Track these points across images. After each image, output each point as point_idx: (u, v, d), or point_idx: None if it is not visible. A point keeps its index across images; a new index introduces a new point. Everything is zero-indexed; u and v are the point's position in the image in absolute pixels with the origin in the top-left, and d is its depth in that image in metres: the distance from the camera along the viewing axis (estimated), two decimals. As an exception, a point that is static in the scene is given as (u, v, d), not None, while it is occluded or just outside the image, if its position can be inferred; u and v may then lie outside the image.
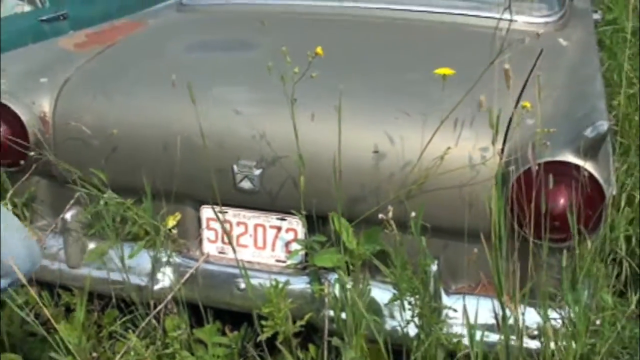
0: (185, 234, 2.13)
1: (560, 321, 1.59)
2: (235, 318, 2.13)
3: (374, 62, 2.25)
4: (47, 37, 3.86)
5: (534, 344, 1.66)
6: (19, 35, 3.80)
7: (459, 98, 1.79)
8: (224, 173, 1.97)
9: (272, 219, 2.03)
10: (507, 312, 1.53)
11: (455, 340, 1.70)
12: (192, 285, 2.07)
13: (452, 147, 1.81)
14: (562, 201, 1.69)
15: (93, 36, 2.61)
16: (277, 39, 2.43)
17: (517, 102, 1.97)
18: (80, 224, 2.10)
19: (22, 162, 2.17)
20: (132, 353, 1.90)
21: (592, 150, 1.65)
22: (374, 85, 2.08)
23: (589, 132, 1.62)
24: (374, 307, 1.87)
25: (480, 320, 1.71)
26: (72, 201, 2.10)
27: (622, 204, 1.79)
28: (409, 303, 1.72)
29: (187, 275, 2.05)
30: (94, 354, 2.01)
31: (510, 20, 1.94)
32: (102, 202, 2.00)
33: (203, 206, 2.08)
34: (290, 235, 2.03)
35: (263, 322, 1.83)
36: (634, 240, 1.97)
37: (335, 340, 1.78)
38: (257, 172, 1.95)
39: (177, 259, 2.09)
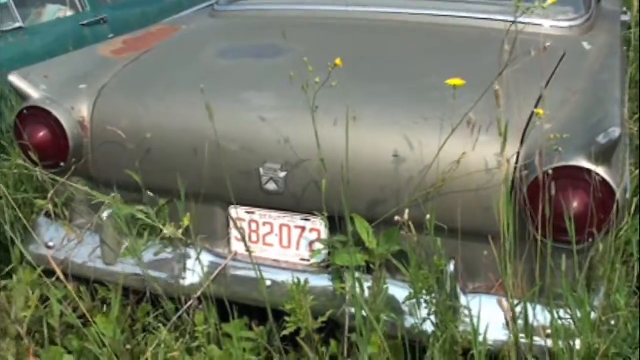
0: (214, 233, 2.23)
1: (570, 321, 1.64)
2: (262, 314, 2.23)
3: (395, 67, 2.32)
4: (88, 41, 4.03)
5: (544, 343, 1.71)
6: (62, 39, 3.96)
7: (481, 104, 1.84)
8: (251, 175, 2.07)
9: (296, 220, 2.11)
10: (517, 311, 1.58)
11: (469, 337, 1.76)
12: (220, 282, 2.18)
13: (469, 151, 1.86)
14: (575, 205, 1.74)
15: (130, 42, 2.73)
16: (304, 44, 2.53)
17: (536, 106, 2.02)
18: (115, 223, 2.21)
19: (62, 164, 2.29)
20: (162, 346, 2.00)
21: (604, 155, 1.69)
22: (395, 90, 2.15)
23: (601, 138, 1.67)
24: (392, 305, 1.95)
25: (495, 319, 1.78)
26: (108, 199, 2.20)
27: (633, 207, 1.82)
28: (425, 301, 1.79)
29: (216, 272, 2.15)
30: (128, 346, 2.12)
31: (522, 24, 1.98)
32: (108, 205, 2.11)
33: (231, 207, 2.17)
34: (313, 235, 2.11)
35: (286, 318, 1.92)
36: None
37: (355, 336, 1.86)
38: (282, 174, 2.03)
39: (206, 257, 2.19)
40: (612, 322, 1.77)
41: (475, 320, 1.73)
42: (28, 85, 2.27)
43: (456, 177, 1.87)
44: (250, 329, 2.19)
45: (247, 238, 2.19)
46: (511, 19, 2.68)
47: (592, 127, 1.77)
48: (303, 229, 2.12)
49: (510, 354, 1.62)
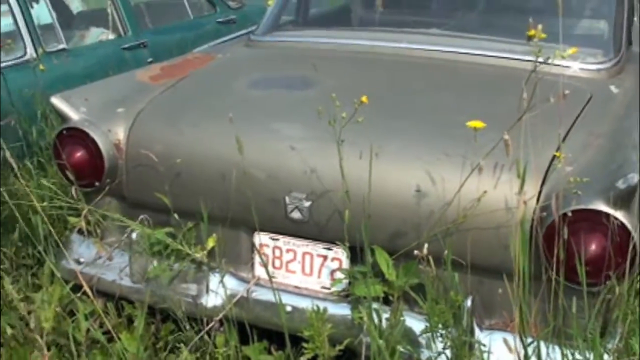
0: (239, 258, 2.29)
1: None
2: (281, 338, 2.27)
3: (420, 103, 2.37)
4: (128, 64, 4.17)
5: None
6: (103, 61, 4.11)
7: (500, 142, 1.88)
8: (277, 203, 2.13)
9: (319, 248, 2.16)
10: (529, 350, 1.61)
11: (483, 373, 1.78)
12: (242, 306, 2.23)
13: (490, 189, 1.90)
14: (592, 247, 1.76)
15: (167, 69, 2.83)
16: (334, 78, 2.61)
17: (559, 148, 2.05)
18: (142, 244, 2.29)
19: (97, 183, 2.38)
20: (183, 365, 2.06)
21: (623, 200, 1.72)
22: (419, 126, 2.20)
23: (620, 184, 1.70)
24: (409, 337, 1.98)
25: (508, 356, 1.80)
26: (137, 222, 2.28)
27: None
28: (441, 335, 1.82)
29: (238, 296, 2.21)
30: (150, 364, 2.18)
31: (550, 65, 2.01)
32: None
33: (256, 232, 2.23)
34: (335, 264, 2.16)
35: (304, 345, 1.97)
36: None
37: (371, 366, 1.89)
38: (307, 204, 2.09)
39: (230, 280, 2.25)
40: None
41: (488, 357, 1.75)
42: (69, 107, 2.38)
43: (476, 214, 1.90)
44: (269, 352, 2.24)
45: (270, 264, 2.25)
46: (539, 60, 2.76)
47: (612, 172, 1.80)
48: (325, 257, 2.17)
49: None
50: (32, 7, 4.27)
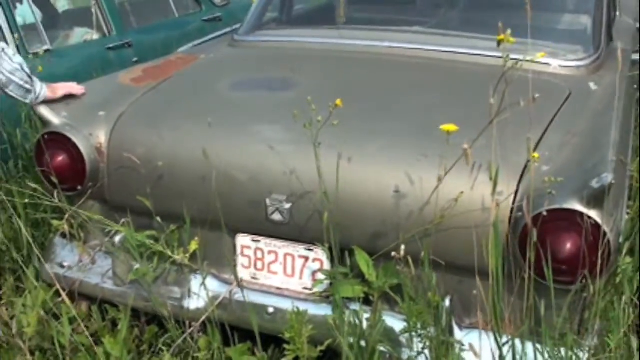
0: (221, 260, 2.30)
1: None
2: (266, 339, 2.29)
3: (402, 103, 2.38)
4: (113, 64, 4.16)
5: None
6: (87, 62, 4.10)
7: (480, 142, 1.90)
8: (258, 205, 2.14)
9: (300, 249, 2.18)
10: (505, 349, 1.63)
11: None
12: (225, 308, 2.25)
13: (468, 190, 1.92)
14: (567, 246, 1.78)
15: (149, 71, 2.83)
16: (315, 78, 2.62)
17: (536, 147, 2.07)
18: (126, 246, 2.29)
19: (79, 187, 2.39)
20: (165, 368, 2.08)
21: (597, 199, 1.74)
22: (399, 126, 2.21)
23: (594, 183, 1.71)
24: (390, 336, 2.00)
25: (489, 355, 1.82)
26: (119, 225, 2.29)
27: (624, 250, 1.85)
28: (419, 335, 1.84)
29: (221, 298, 2.22)
30: (133, 367, 2.19)
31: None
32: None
33: (238, 234, 2.24)
34: (316, 265, 2.17)
35: (286, 346, 1.98)
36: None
37: (352, 366, 1.91)
38: (287, 205, 2.10)
39: (212, 283, 2.26)
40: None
41: (467, 355, 1.77)
42: (49, 112, 2.37)
43: (455, 215, 1.92)
44: (253, 354, 2.25)
45: (252, 265, 2.26)
46: (520, 57, 2.77)
47: (587, 171, 1.82)
48: (306, 258, 2.18)
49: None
50: (15, 7, 4.27)
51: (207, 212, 2.22)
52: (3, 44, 2.39)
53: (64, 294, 2.26)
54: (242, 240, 2.25)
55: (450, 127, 1.71)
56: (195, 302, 2.25)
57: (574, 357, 1.69)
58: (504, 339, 1.74)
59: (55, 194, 2.37)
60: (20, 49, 3.81)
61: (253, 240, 2.23)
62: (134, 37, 4.52)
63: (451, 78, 2.64)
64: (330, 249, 2.06)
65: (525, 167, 1.96)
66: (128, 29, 4.57)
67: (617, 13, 3.70)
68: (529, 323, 1.68)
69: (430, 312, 1.83)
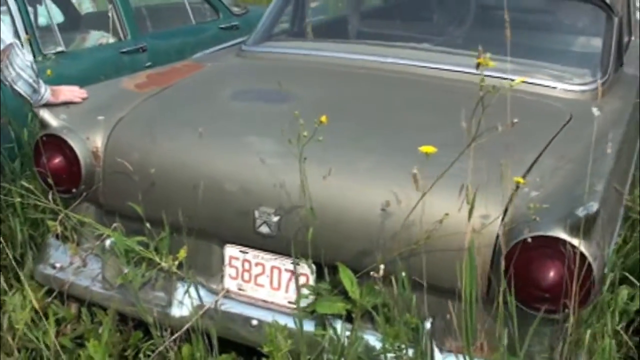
0: (210, 269, 2.30)
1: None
2: (251, 351, 2.28)
3: (398, 120, 2.37)
4: (126, 68, 4.20)
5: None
6: (100, 65, 4.13)
7: (470, 163, 1.88)
8: (246, 217, 2.14)
9: (287, 263, 2.17)
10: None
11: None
12: (211, 317, 2.24)
13: (454, 211, 1.90)
14: (551, 275, 1.76)
15: (153, 77, 2.85)
16: (315, 91, 2.62)
17: (529, 171, 2.05)
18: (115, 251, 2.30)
19: (74, 190, 2.40)
20: (145, 376, 2.08)
21: (582, 228, 1.71)
22: (392, 144, 2.20)
23: (579, 212, 1.69)
24: (371, 355, 1.98)
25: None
26: (110, 229, 2.30)
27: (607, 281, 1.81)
28: (396, 357, 1.82)
29: (206, 307, 2.22)
30: (114, 372, 2.20)
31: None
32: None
33: (227, 245, 2.24)
34: (302, 280, 2.16)
35: (264, 360, 1.98)
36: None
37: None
38: (275, 218, 2.10)
39: (199, 291, 2.26)
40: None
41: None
42: (48, 114, 2.40)
43: (440, 236, 1.90)
44: (236, 364, 2.25)
45: (239, 277, 2.26)
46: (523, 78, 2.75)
47: (575, 199, 1.79)
48: (293, 272, 2.17)
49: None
50: (35, 8, 4.33)
51: (196, 220, 2.22)
52: (16, 39, 2.42)
53: (35, 307, 2.28)
54: (231, 250, 2.25)
55: (429, 148, 1.70)
56: (180, 310, 2.25)
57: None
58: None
59: (50, 195, 2.39)
60: (34, 49, 3.86)
61: (241, 252, 2.23)
62: (148, 42, 4.56)
63: (451, 97, 2.62)
64: (318, 265, 2.06)
65: (515, 190, 1.94)
66: (143, 33, 4.60)
67: (632, 37, 3.66)
68: (503, 349, 1.65)
69: (408, 334, 1.81)
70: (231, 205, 2.16)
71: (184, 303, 2.25)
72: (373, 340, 1.99)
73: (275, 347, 1.92)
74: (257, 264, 2.22)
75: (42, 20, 4.54)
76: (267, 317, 2.16)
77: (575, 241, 1.71)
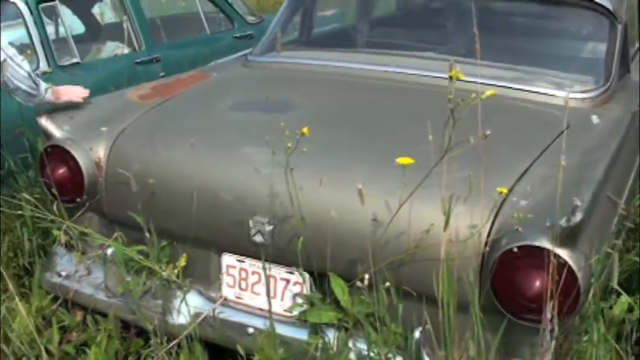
0: (208, 277, 2.34)
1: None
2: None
3: (394, 131, 2.38)
4: (140, 78, 4.27)
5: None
6: (114, 75, 4.21)
7: (461, 174, 1.89)
8: (241, 226, 2.17)
9: (282, 272, 2.20)
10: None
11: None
12: (209, 325, 2.28)
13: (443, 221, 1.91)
14: (536, 285, 1.76)
15: (158, 88, 2.91)
16: (315, 102, 2.65)
17: (519, 179, 2.05)
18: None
19: (78, 199, 2.47)
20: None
21: (568, 238, 1.71)
22: (386, 154, 2.20)
23: (563, 222, 1.69)
24: (363, 364, 2.00)
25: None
26: (111, 239, 2.36)
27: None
28: (384, 366, 1.83)
29: (203, 315, 2.26)
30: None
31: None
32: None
33: (224, 253, 2.28)
34: (297, 288, 2.19)
35: (255, 368, 2.01)
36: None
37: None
38: (269, 228, 2.13)
39: (197, 300, 2.31)
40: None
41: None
42: (52, 126, 2.47)
43: (428, 246, 1.91)
44: (233, 372, 2.28)
45: (236, 285, 2.29)
46: (525, 87, 2.75)
47: (562, 208, 1.79)
48: (288, 281, 2.20)
49: None
50: (53, 20, 4.44)
51: (194, 230, 2.26)
52: (13, 50, 2.49)
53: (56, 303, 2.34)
54: (228, 259, 2.29)
55: (406, 160, 1.72)
56: (179, 318, 2.30)
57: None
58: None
59: (55, 206, 2.45)
60: (50, 60, 3.95)
61: (238, 260, 2.27)
62: (162, 52, 4.63)
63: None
64: (312, 273, 2.08)
65: (504, 200, 1.95)
66: (157, 44, 4.68)
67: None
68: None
69: (397, 342, 1.82)
70: (227, 215, 2.20)
71: (183, 311, 2.29)
72: (365, 348, 2.01)
73: (266, 355, 1.95)
74: (253, 273, 2.26)
75: (62, 31, 4.65)
76: (263, 325, 2.19)
77: (559, 251, 1.71)
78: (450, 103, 1.65)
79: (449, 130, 1.66)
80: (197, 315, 2.27)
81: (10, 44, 4.24)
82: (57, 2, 4.12)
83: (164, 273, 2.28)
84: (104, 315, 2.48)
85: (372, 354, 1.87)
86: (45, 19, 4.27)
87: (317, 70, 3.07)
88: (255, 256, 2.22)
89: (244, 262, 2.26)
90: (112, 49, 4.58)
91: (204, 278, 2.35)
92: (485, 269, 1.86)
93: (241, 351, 2.11)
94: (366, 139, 2.33)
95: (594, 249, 1.82)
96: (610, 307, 2.01)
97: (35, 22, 3.91)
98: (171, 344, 2.22)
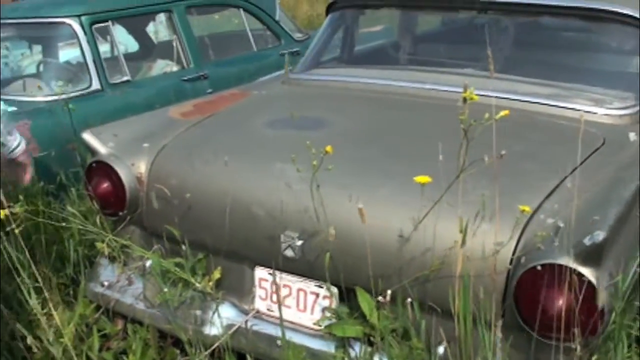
0: (242, 290, 2.41)
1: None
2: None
3: (425, 148, 2.40)
4: (187, 95, 4.40)
5: None
6: (163, 92, 4.36)
7: (488, 192, 1.91)
8: (273, 240, 2.23)
9: (311, 286, 2.25)
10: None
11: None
12: (243, 336, 2.34)
13: (469, 238, 1.92)
14: (559, 303, 1.76)
15: (200, 106, 3.01)
16: (349, 119, 2.70)
17: (547, 197, 2.05)
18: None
19: (120, 213, 2.57)
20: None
21: (590, 257, 1.71)
22: (414, 171, 2.22)
23: (586, 240, 1.69)
24: (388, 379, 2.02)
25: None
26: (150, 251, 2.45)
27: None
28: (407, 381, 1.86)
29: (236, 326, 2.32)
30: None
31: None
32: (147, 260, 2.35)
33: (257, 267, 2.35)
34: (326, 302, 2.23)
35: (282, 380, 2.06)
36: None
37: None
38: (299, 242, 2.18)
39: (231, 311, 2.38)
40: None
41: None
42: (97, 142, 2.58)
43: (453, 262, 1.92)
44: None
45: (268, 298, 2.35)
46: (561, 104, 2.74)
47: (587, 227, 1.78)
48: (317, 295, 2.25)
49: None
50: (106, 40, 4.63)
51: (228, 243, 2.34)
52: None
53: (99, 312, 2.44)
54: (260, 273, 2.35)
55: (424, 179, 1.74)
56: (213, 329, 2.36)
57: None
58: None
59: (97, 218, 2.57)
60: (102, 79, 4.12)
61: (270, 274, 2.32)
62: (210, 70, 4.76)
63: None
64: (340, 288, 2.13)
65: (531, 218, 1.95)
66: (205, 61, 4.82)
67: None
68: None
69: (418, 358, 1.84)
70: (259, 229, 2.26)
71: (217, 322, 2.36)
72: (390, 362, 2.03)
73: (293, 366, 1.99)
74: (284, 286, 2.31)
75: (121, 48, 4.85)
76: (293, 337, 2.24)
77: (582, 269, 1.71)
78: (463, 123, 1.65)
79: (463, 149, 1.67)
80: (230, 326, 2.34)
81: (67, 62, 4.49)
82: (109, 22, 4.29)
83: (198, 285, 2.36)
84: (145, 325, 2.57)
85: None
86: (100, 39, 4.47)
87: (354, 87, 3.11)
88: (286, 270, 2.28)
89: (275, 275, 2.31)
90: (162, 66, 4.74)
91: (238, 290, 2.41)
92: (510, 287, 1.86)
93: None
94: (397, 156, 2.36)
95: (621, 268, 1.80)
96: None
97: (88, 42, 4.09)
98: (204, 354, 2.28)
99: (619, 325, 1.72)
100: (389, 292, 1.87)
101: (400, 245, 2.03)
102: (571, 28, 3.26)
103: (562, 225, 1.84)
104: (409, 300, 1.86)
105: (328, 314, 2.18)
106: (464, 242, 1.67)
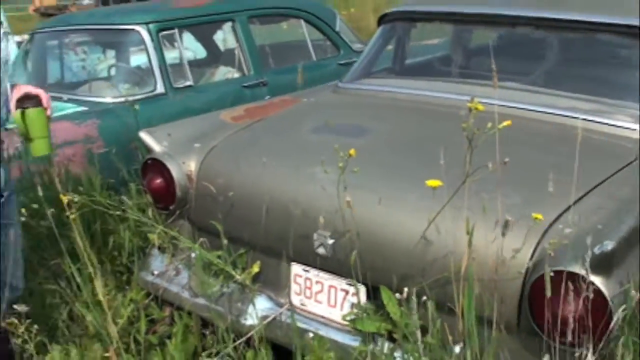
0: (279, 284, 2.56)
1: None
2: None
3: (458, 157, 2.50)
4: (246, 101, 4.60)
5: None
6: (223, 98, 4.57)
7: (512, 200, 2.01)
8: (307, 238, 2.37)
9: (342, 283, 2.37)
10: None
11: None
12: (278, 327, 2.49)
13: (489, 243, 2.01)
14: (571, 309, 1.82)
15: (250, 110, 3.18)
16: (389, 127, 2.81)
17: (568, 207, 2.11)
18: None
19: (170, 207, 2.77)
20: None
21: (601, 265, 1.77)
22: (447, 179, 2.33)
23: (596, 249, 1.76)
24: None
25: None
26: (196, 244, 2.63)
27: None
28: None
29: (270, 318, 2.47)
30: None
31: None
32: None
33: (293, 263, 2.49)
34: (355, 299, 2.35)
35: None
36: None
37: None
38: (331, 241, 2.31)
39: (267, 304, 2.53)
40: None
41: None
42: (153, 141, 2.79)
43: (477, 265, 2.01)
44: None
45: (302, 293, 2.49)
46: (598, 119, 2.78)
47: (601, 236, 1.85)
48: (347, 292, 2.37)
49: None
50: (174, 46, 4.88)
51: (267, 240, 2.50)
52: None
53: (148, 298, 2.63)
54: (296, 269, 2.49)
55: (435, 182, 1.84)
56: (249, 319, 2.52)
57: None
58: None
59: (150, 211, 2.77)
60: (166, 83, 4.37)
61: (304, 270, 2.46)
62: (269, 77, 4.95)
63: (519, 137, 2.69)
64: (367, 285, 2.25)
65: (550, 226, 2.02)
66: (265, 69, 5.01)
67: None
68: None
69: (435, 356, 1.94)
70: (295, 227, 2.40)
71: (253, 313, 2.51)
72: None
73: (317, 357, 2.12)
74: (317, 282, 2.45)
75: (190, 55, 5.12)
76: (321, 331, 2.37)
77: (593, 277, 1.78)
78: (471, 131, 1.75)
79: (469, 156, 1.77)
80: (265, 317, 2.49)
81: (137, 67, 4.77)
82: (175, 30, 4.54)
83: (238, 277, 2.52)
84: (189, 313, 2.75)
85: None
86: (168, 45, 4.73)
87: (401, 97, 3.22)
88: (318, 267, 2.41)
89: (309, 271, 2.45)
90: (223, 73, 4.96)
91: (275, 284, 2.56)
92: (525, 292, 1.94)
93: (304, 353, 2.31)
94: (432, 165, 2.45)
95: (632, 278, 1.85)
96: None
97: (154, 48, 4.34)
98: (238, 342, 2.44)
99: (627, 332, 1.78)
100: (405, 289, 1.97)
101: (423, 247, 2.14)
102: (615, 44, 3.28)
103: (577, 235, 1.91)
104: (424, 298, 1.96)
105: (355, 310, 2.30)
106: (470, 244, 1.76)
